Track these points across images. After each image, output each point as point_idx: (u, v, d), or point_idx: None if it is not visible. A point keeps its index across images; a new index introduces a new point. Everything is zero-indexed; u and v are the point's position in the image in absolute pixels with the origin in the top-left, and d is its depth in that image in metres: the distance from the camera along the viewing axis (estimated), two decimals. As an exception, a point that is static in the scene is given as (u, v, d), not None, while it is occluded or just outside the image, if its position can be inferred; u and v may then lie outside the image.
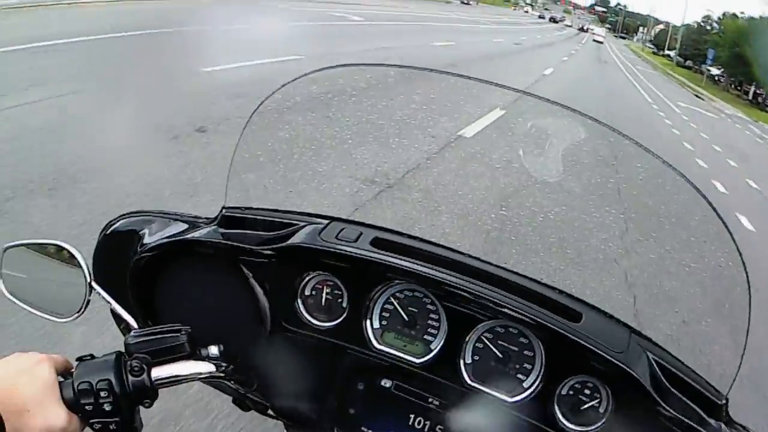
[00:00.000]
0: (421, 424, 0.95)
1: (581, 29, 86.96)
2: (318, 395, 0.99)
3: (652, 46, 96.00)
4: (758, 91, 46.80)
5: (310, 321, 0.98)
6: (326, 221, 1.01)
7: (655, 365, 0.89)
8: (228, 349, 0.89)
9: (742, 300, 0.88)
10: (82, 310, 0.89)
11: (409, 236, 1.03)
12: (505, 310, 0.89)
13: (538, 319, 0.88)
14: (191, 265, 1.00)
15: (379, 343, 0.96)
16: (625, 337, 0.91)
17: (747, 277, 0.87)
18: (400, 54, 12.21)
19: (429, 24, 26.00)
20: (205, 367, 0.85)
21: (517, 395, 0.91)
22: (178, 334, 0.84)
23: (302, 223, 1.00)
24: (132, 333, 0.84)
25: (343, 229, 0.99)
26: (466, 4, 67.09)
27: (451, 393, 0.93)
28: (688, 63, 70.02)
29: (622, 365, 0.85)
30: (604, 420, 0.89)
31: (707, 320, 1.40)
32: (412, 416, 0.95)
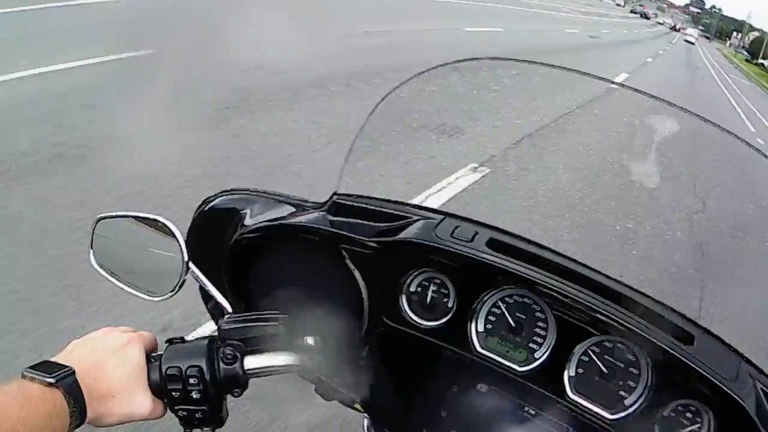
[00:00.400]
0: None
1: (673, 28, 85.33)
2: (410, 394, 0.97)
3: (745, 53, 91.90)
4: None
5: (412, 318, 0.94)
6: (441, 216, 0.97)
7: (762, 395, 0.86)
8: (325, 342, 0.85)
9: None
10: (176, 289, 0.84)
11: (527, 240, 0.98)
12: (620, 327, 0.85)
13: (652, 339, 0.85)
14: (293, 251, 0.96)
15: (482, 348, 0.93)
16: (736, 364, 0.89)
17: None
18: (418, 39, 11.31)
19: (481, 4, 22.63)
20: (301, 360, 0.81)
21: (618, 413, 0.88)
22: (276, 323, 0.80)
23: (415, 217, 0.96)
24: (226, 318, 0.80)
25: (458, 227, 0.95)
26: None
27: (549, 404, 0.91)
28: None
29: (731, 393, 0.83)
30: None
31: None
32: (505, 424, 0.94)
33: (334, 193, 0.97)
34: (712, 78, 31.37)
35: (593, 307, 0.87)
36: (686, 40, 62.26)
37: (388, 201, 0.99)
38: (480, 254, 0.90)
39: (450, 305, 0.93)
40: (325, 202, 0.97)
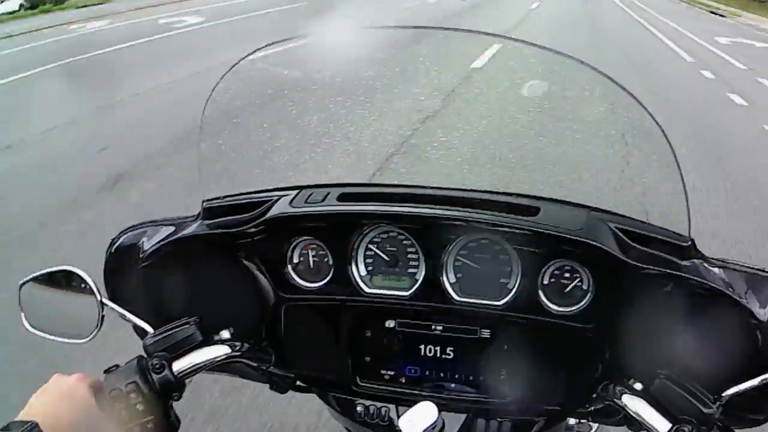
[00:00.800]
0: (432, 351, 1.02)
1: None
2: (333, 354, 1.06)
3: None
4: None
5: (302, 285, 1.05)
6: (296, 191, 1.09)
7: (617, 231, 0.96)
8: (239, 330, 0.97)
9: (667, 156, 0.95)
10: (98, 327, 0.95)
11: (374, 185, 1.11)
12: (468, 224, 0.97)
13: (497, 223, 0.96)
14: (187, 261, 1.07)
15: (369, 287, 1.03)
16: (583, 216, 0.99)
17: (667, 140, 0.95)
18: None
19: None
20: (221, 350, 0.93)
21: (504, 297, 0.98)
22: (188, 326, 0.92)
23: (275, 197, 1.07)
24: (148, 336, 0.92)
25: (311, 193, 1.07)
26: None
27: (446, 314, 1.01)
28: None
29: (582, 239, 0.94)
30: (589, 294, 0.96)
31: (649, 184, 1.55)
32: (422, 347, 1.03)
33: (202, 201, 1.08)
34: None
35: (440, 216, 0.99)
36: None
37: (250, 192, 1.11)
38: (332, 208, 1.03)
39: (330, 263, 1.03)
40: (198, 212, 1.09)
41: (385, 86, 1.72)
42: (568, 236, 0.94)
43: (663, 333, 0.94)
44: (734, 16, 25.25)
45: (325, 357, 1.07)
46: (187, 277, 1.07)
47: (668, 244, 0.96)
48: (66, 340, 0.98)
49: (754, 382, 0.81)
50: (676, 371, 0.85)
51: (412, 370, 1.03)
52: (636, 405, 0.85)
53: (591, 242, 0.93)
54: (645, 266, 0.93)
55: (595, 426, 1.49)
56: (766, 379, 0.80)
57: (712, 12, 26.63)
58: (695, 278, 0.92)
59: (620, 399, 0.86)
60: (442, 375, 1.03)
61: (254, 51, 1.09)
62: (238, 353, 0.95)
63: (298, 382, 1.10)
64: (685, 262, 0.94)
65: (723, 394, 0.82)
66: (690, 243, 0.95)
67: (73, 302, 0.97)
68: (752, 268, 0.96)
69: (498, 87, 3.76)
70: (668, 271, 0.93)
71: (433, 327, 1.02)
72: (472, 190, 1.07)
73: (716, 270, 0.95)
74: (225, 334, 0.95)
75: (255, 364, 1.03)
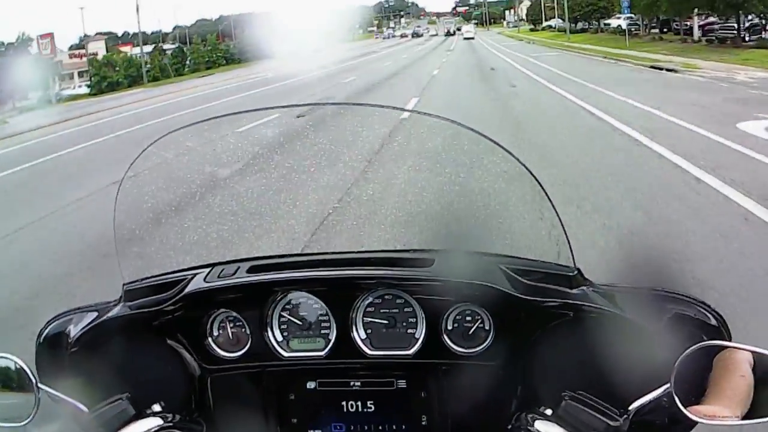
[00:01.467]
0: (354, 406, 1.08)
1: (448, 33, 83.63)
2: (261, 420, 1.11)
3: (527, 25, 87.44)
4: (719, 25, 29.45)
5: (224, 356, 1.12)
6: (209, 268, 1.17)
7: (508, 270, 1.05)
8: (170, 403, 1.05)
9: (544, 201, 1.07)
10: (35, 409, 1.00)
11: (281, 255, 1.22)
12: (369, 282, 1.07)
13: (395, 277, 1.07)
14: (113, 343, 1.14)
15: (287, 352, 1.10)
16: (475, 261, 1.09)
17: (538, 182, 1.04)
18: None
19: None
20: (153, 423, 0.99)
21: (413, 346, 1.07)
22: (120, 402, 1.00)
23: (190, 275, 1.15)
24: (84, 415, 0.99)
25: (223, 269, 1.15)
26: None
27: (362, 369, 1.08)
28: (581, 25, 55.63)
29: (475, 282, 1.03)
30: (491, 334, 1.04)
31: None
32: (344, 403, 1.08)
33: (123, 284, 1.17)
34: (518, 70, 23.52)
35: (343, 277, 1.08)
36: (465, 38, 63.46)
37: (168, 273, 1.20)
38: (242, 280, 1.11)
39: (248, 332, 1.11)
40: (120, 297, 1.17)
41: (299, 166, 1.85)
42: (462, 281, 1.02)
43: (565, 358, 1.00)
44: (690, 69, 18.57)
45: (254, 423, 1.11)
46: (115, 357, 1.12)
47: (556, 276, 1.04)
48: (4, 424, 1.04)
49: (656, 392, 0.86)
50: (582, 392, 0.92)
51: (338, 427, 1.08)
52: (548, 429, 0.89)
53: (484, 284, 1.01)
54: (537, 299, 1.00)
55: None
56: (668, 388, 0.84)
57: (653, 67, 20.53)
58: (586, 304, 1.00)
59: (533, 426, 0.91)
60: (366, 428, 1.07)
61: (164, 135, 1.19)
62: (170, 425, 1.00)
63: None
64: (574, 290, 1.02)
65: (629, 408, 0.87)
66: (576, 272, 1.04)
67: (10, 387, 1.05)
68: (640, 288, 1.05)
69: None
70: (559, 300, 1.00)
71: (351, 383, 1.08)
72: (373, 251, 1.19)
73: (605, 293, 1.02)
74: (156, 407, 1.03)
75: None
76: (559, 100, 14.05)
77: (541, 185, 1.08)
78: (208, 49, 54.92)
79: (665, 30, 37.79)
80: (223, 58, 54.35)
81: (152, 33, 62.55)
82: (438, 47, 51.34)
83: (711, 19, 31.04)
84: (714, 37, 29.29)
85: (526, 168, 1.07)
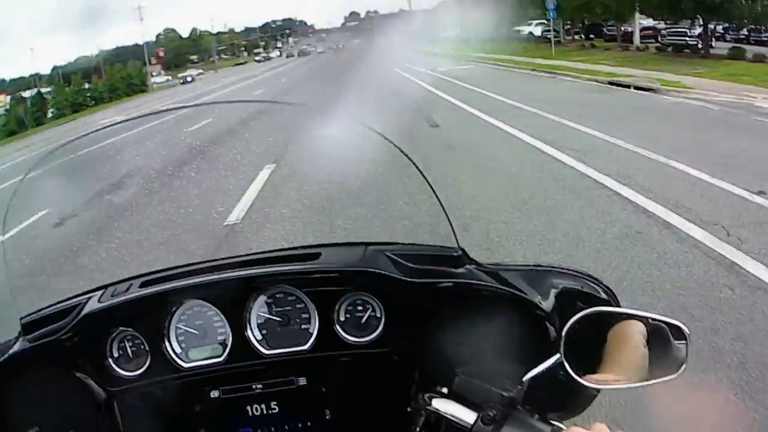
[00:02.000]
0: (258, 410, 1.09)
1: (336, 48, 76.82)
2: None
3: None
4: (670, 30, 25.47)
5: (126, 375, 1.09)
6: (102, 289, 1.14)
7: (393, 256, 1.08)
8: (80, 430, 1.05)
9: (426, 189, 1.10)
10: None
11: (172, 268, 1.18)
12: (256, 279, 1.07)
13: (281, 272, 1.07)
14: (16, 379, 1.09)
15: (187, 362, 1.09)
16: (360, 251, 1.11)
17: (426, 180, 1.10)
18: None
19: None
20: None
21: (308, 342, 1.07)
22: None
23: (85, 300, 1.12)
24: None
25: (116, 288, 1.13)
26: (186, 83, 53.21)
27: (262, 371, 1.08)
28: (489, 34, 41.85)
29: (360, 269, 1.05)
30: (383, 321, 1.06)
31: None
32: (248, 408, 1.09)
33: (20, 318, 1.11)
34: (427, 92, 16.63)
35: (227, 280, 1.07)
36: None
37: (63, 300, 1.15)
38: (133, 296, 1.08)
39: (146, 348, 1.08)
40: (18, 332, 1.11)
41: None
42: (347, 269, 1.06)
43: (457, 337, 1.02)
44: (677, 89, 13.47)
45: None
46: (21, 394, 1.09)
47: (441, 258, 1.08)
48: None
49: (547, 363, 0.88)
50: (476, 368, 0.93)
51: None
52: (444, 405, 0.90)
53: (369, 270, 1.04)
54: (423, 281, 1.03)
55: None
56: (558, 359, 0.87)
57: (613, 84, 15.66)
58: (471, 282, 1.03)
59: (431, 405, 0.91)
60: (273, 430, 1.08)
61: (42, 158, 1.18)
62: None
63: None
64: (459, 270, 1.05)
65: (523, 379, 0.89)
66: (460, 253, 1.07)
67: None
68: (526, 266, 1.07)
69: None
70: (444, 280, 1.04)
71: (253, 387, 1.08)
72: (260, 252, 1.18)
73: (491, 272, 1.06)
74: None
75: None
76: (535, 165, 7.45)
77: (422, 173, 1.11)
78: (74, 90, 50.47)
79: (592, 36, 33.27)
80: (90, 98, 50.44)
81: (30, 75, 54.67)
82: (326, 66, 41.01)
83: (650, 22, 27.76)
84: (663, 45, 25.11)
85: (411, 161, 1.11)
